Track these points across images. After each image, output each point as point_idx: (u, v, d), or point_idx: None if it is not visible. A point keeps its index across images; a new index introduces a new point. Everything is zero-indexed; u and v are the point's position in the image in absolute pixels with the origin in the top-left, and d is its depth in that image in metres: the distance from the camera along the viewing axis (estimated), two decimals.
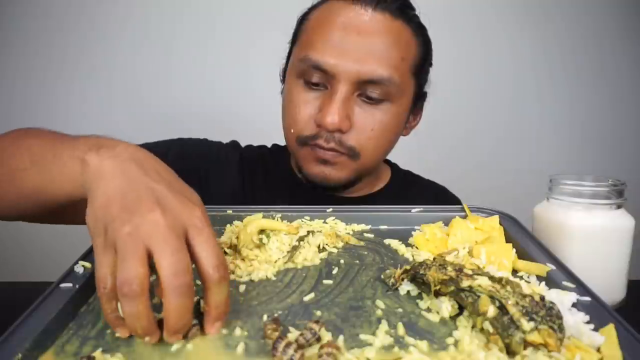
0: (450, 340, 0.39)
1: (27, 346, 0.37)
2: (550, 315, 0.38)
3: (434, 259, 0.50)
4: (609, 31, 1.58)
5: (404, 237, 0.61)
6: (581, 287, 0.46)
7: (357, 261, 0.55)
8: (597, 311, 0.42)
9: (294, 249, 0.55)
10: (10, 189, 0.55)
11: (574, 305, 0.43)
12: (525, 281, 0.48)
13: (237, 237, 0.57)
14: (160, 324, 0.38)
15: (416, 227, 0.63)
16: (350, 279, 0.51)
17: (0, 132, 0.60)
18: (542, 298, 0.39)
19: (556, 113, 1.63)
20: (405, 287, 0.48)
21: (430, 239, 0.58)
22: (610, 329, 0.38)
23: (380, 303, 0.45)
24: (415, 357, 0.37)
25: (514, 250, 0.54)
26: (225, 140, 0.92)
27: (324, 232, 0.59)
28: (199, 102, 1.57)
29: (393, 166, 0.95)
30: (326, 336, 0.39)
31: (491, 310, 0.39)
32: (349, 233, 0.64)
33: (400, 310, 0.44)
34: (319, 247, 0.58)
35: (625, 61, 1.60)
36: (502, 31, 1.57)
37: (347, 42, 0.69)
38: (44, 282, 0.48)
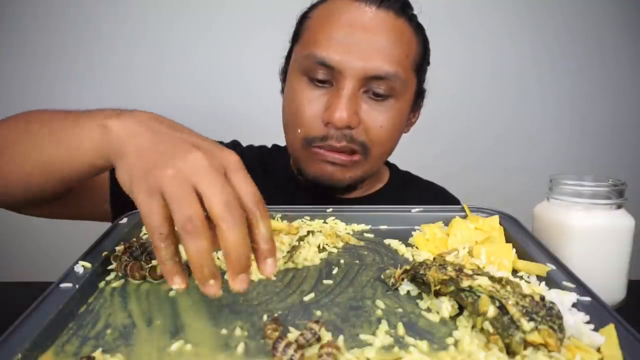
0: (450, 340, 0.39)
1: (27, 346, 0.37)
2: (550, 315, 0.38)
3: (434, 259, 0.50)
4: (611, 31, 1.58)
5: (404, 237, 0.61)
6: (581, 287, 0.46)
7: (357, 261, 0.55)
8: (597, 311, 0.42)
9: (294, 248, 0.55)
10: (25, 161, 0.54)
11: (574, 305, 0.43)
12: (525, 281, 0.48)
13: None
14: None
15: (416, 227, 0.63)
16: (350, 279, 0.51)
17: None
18: (542, 298, 0.39)
19: (557, 113, 1.63)
20: (405, 287, 0.48)
21: (430, 239, 0.58)
22: (610, 329, 0.38)
23: (380, 303, 0.45)
24: (415, 357, 0.37)
25: (514, 250, 0.54)
26: (226, 140, 0.92)
27: (324, 232, 0.59)
28: (197, 102, 1.56)
29: (392, 167, 0.95)
30: (326, 336, 0.39)
31: (491, 310, 0.39)
32: (349, 233, 0.64)
33: (400, 310, 0.44)
34: (319, 247, 0.58)
35: (627, 61, 1.60)
36: (504, 31, 1.57)
37: (353, 39, 0.70)
38: (44, 282, 0.48)
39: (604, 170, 1.59)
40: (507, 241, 0.58)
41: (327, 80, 0.72)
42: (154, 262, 0.51)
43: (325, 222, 0.66)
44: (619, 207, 0.58)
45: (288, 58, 0.81)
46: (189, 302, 0.46)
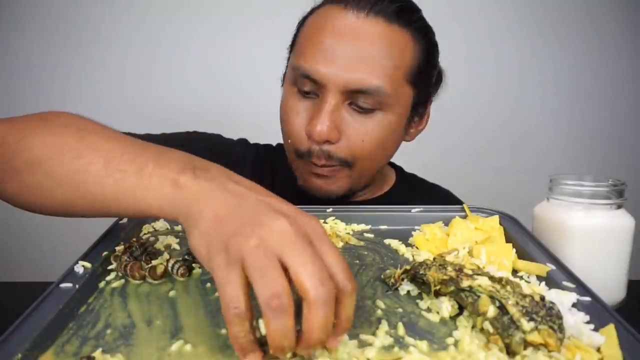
0: (450, 340, 0.39)
1: (27, 346, 0.37)
2: (550, 315, 0.38)
3: (434, 259, 0.50)
4: (611, 31, 1.58)
5: (404, 237, 0.61)
6: (581, 287, 0.46)
7: (357, 261, 0.55)
8: (597, 311, 0.42)
9: None
10: (71, 191, 0.46)
11: (574, 305, 0.43)
12: (525, 281, 0.48)
13: None
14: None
15: (416, 227, 0.63)
16: None
17: None
18: (542, 298, 0.39)
19: (557, 113, 1.63)
20: (405, 287, 0.48)
21: (430, 239, 0.58)
22: (610, 329, 0.38)
23: (380, 303, 0.45)
24: (415, 357, 0.37)
25: (514, 250, 0.54)
26: (235, 137, 0.93)
27: None
28: (191, 102, 1.57)
29: (398, 169, 0.94)
30: None
31: (491, 310, 0.39)
32: (349, 233, 0.64)
33: (400, 310, 0.44)
34: None
35: (627, 62, 1.60)
36: (506, 31, 1.57)
37: (337, 50, 0.68)
38: (44, 282, 0.48)
39: (603, 170, 1.59)
40: (507, 241, 0.58)
41: (313, 91, 0.71)
42: (154, 262, 0.51)
43: (325, 222, 0.66)
44: (619, 207, 0.58)
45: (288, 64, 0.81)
46: (189, 302, 0.46)
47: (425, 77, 0.76)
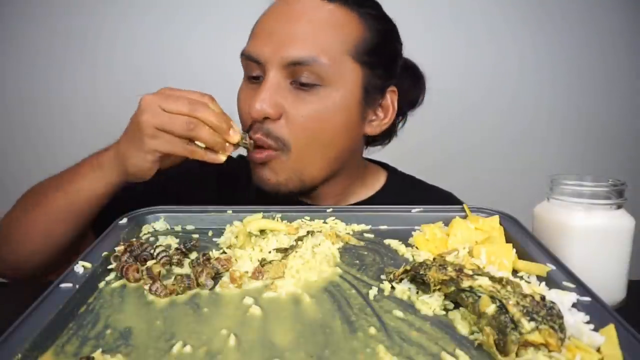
0: (450, 340, 0.39)
1: (27, 346, 0.37)
2: (550, 315, 0.38)
3: (434, 259, 0.50)
4: (611, 31, 1.58)
5: (404, 237, 0.61)
6: (581, 287, 0.46)
7: (357, 261, 0.55)
8: (597, 311, 0.42)
9: (291, 248, 0.55)
10: (42, 219, 0.70)
11: (574, 305, 0.43)
12: (526, 281, 0.48)
13: (237, 237, 0.57)
14: None
15: (416, 227, 0.63)
16: None
17: None
18: (543, 298, 0.39)
19: (557, 113, 1.63)
20: (405, 287, 0.48)
21: (430, 239, 0.58)
22: (610, 329, 0.38)
23: (380, 303, 0.45)
24: (415, 357, 0.37)
25: (514, 250, 0.54)
26: None
27: (324, 232, 0.59)
28: None
29: (391, 171, 0.90)
30: None
31: (490, 309, 0.39)
32: (349, 233, 0.63)
33: (399, 311, 0.44)
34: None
35: (627, 61, 1.60)
36: (506, 32, 1.57)
37: (273, 29, 0.70)
38: (43, 282, 0.48)
39: (604, 170, 1.59)
40: (507, 241, 0.58)
41: (259, 76, 0.72)
42: (149, 264, 0.51)
43: (325, 222, 0.66)
44: (619, 207, 0.58)
45: None
46: (188, 303, 0.46)
47: (378, 61, 0.74)
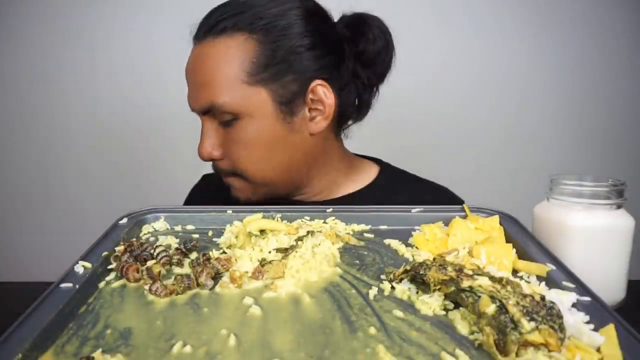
0: (449, 340, 0.39)
1: (27, 346, 0.37)
2: (550, 315, 0.38)
3: (434, 259, 0.50)
4: (611, 32, 1.58)
5: (404, 237, 0.61)
6: (581, 287, 0.46)
7: (357, 261, 0.55)
8: (597, 311, 0.42)
9: (291, 248, 0.55)
10: None
11: (574, 305, 0.43)
12: (525, 281, 0.48)
13: (237, 237, 0.57)
14: None
15: (416, 227, 0.63)
16: None
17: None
18: (543, 298, 0.39)
19: (557, 113, 1.63)
20: (405, 287, 0.48)
21: (430, 239, 0.58)
22: (610, 329, 0.38)
23: (380, 303, 0.45)
24: (415, 357, 0.37)
25: (514, 250, 0.54)
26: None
27: (324, 232, 0.59)
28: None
29: (384, 166, 0.89)
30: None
31: (490, 309, 0.39)
32: (349, 233, 0.64)
33: (399, 311, 0.44)
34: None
35: (627, 62, 1.60)
36: (506, 32, 1.57)
37: (189, 82, 0.75)
38: (44, 282, 0.48)
39: (604, 170, 1.59)
40: (507, 241, 0.58)
41: None
42: (149, 264, 0.51)
43: (325, 222, 0.66)
44: (619, 207, 0.58)
45: None
46: (188, 303, 0.46)
47: (280, 69, 0.71)
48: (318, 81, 0.73)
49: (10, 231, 1.63)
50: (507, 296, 0.39)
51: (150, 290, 0.47)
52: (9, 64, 1.55)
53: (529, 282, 0.48)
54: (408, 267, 0.48)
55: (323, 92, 0.74)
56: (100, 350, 0.38)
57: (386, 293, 0.47)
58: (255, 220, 0.58)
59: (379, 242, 0.61)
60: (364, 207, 0.69)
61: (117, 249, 0.54)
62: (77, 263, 0.50)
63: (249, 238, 0.57)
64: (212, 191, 0.91)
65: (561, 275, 0.49)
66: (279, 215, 0.65)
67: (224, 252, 0.56)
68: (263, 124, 0.72)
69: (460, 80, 1.54)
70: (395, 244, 0.60)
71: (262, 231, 0.58)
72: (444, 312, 0.44)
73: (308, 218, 0.66)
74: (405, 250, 0.58)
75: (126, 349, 0.38)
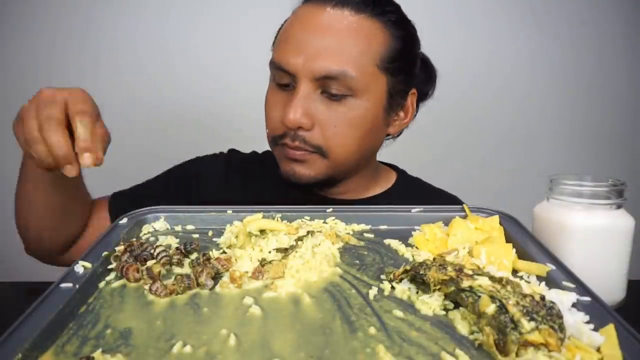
0: (449, 340, 0.39)
1: (27, 346, 0.37)
2: (550, 315, 0.38)
3: (434, 259, 0.50)
4: (610, 31, 1.58)
5: (404, 237, 0.61)
6: (581, 287, 0.46)
7: (357, 261, 0.55)
8: (597, 311, 0.42)
9: (291, 248, 0.55)
10: (28, 188, 0.73)
11: (574, 305, 0.43)
12: (525, 281, 0.48)
13: (237, 237, 0.57)
14: None
15: (416, 227, 0.63)
16: None
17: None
18: (543, 298, 0.39)
19: (557, 113, 1.63)
20: (405, 287, 0.48)
21: (430, 239, 0.58)
22: (610, 329, 0.38)
23: (379, 304, 0.45)
24: (415, 357, 0.37)
25: (514, 250, 0.54)
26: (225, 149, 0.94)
27: (324, 232, 0.59)
28: (193, 105, 1.57)
29: (400, 172, 0.94)
30: None
31: (490, 309, 0.39)
32: (349, 233, 0.64)
33: (399, 311, 0.44)
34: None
35: (627, 62, 1.60)
36: (505, 32, 1.57)
37: (305, 41, 0.72)
38: (44, 282, 0.48)
39: (604, 170, 1.59)
40: (507, 241, 0.58)
41: (289, 83, 0.74)
42: (149, 264, 0.51)
43: (325, 222, 0.66)
44: (619, 207, 0.58)
45: None
46: (188, 303, 0.46)
47: (401, 66, 0.77)
48: (414, 90, 0.82)
49: (11, 231, 1.63)
50: (507, 296, 0.39)
51: (150, 290, 0.47)
52: (13, 64, 1.55)
53: (529, 282, 0.48)
54: (408, 267, 0.48)
55: (411, 101, 0.82)
56: (100, 350, 0.38)
57: (386, 293, 0.47)
58: (255, 220, 0.58)
59: (379, 242, 0.61)
60: (364, 207, 0.69)
61: (117, 249, 0.54)
62: (77, 263, 0.50)
63: (249, 238, 0.57)
64: (235, 167, 0.91)
65: (561, 275, 0.49)
66: (279, 215, 0.65)
67: (224, 252, 0.56)
68: (372, 108, 0.75)
69: (460, 80, 1.54)
70: (395, 244, 0.60)
71: (262, 231, 0.58)
72: (444, 312, 0.44)
73: (308, 218, 0.66)
74: (405, 250, 0.58)
75: (126, 349, 0.38)
